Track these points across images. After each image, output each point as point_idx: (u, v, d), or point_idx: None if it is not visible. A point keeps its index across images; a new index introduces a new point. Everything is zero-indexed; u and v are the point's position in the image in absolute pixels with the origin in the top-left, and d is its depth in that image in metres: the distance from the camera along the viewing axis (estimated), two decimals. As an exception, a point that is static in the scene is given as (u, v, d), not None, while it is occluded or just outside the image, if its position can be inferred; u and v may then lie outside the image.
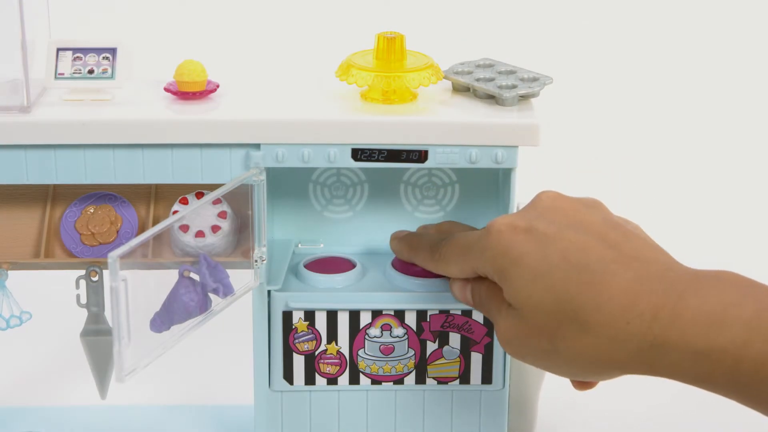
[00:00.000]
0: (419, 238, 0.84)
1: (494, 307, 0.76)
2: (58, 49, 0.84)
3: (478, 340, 0.86)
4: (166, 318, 0.86)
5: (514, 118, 0.83)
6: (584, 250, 0.72)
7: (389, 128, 0.82)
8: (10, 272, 0.87)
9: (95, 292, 0.87)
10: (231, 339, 1.03)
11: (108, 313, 0.88)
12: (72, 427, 0.94)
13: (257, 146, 0.82)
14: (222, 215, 0.86)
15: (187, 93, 0.84)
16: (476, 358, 0.87)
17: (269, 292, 0.86)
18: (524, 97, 0.84)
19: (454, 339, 0.86)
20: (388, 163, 0.83)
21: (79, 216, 0.87)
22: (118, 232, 0.87)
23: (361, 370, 0.87)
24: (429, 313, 0.86)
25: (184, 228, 0.85)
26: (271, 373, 0.87)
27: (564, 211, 0.76)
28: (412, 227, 0.91)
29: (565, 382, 1.03)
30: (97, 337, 0.89)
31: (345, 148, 0.82)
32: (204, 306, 0.86)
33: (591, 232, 0.74)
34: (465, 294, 0.80)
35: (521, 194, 0.85)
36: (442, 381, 0.87)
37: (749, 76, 1.53)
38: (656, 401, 1.01)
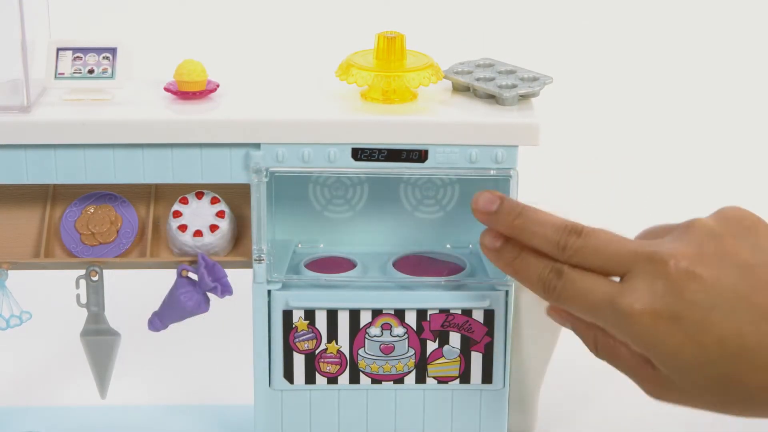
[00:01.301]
0: (527, 264, 0.76)
1: (632, 363, 0.73)
2: (58, 49, 0.84)
3: (479, 340, 0.86)
4: (164, 317, 0.87)
5: (514, 117, 0.83)
6: (740, 335, 0.69)
7: (389, 128, 0.82)
8: (10, 272, 0.87)
9: (95, 291, 0.87)
10: (231, 339, 1.03)
11: (108, 313, 0.89)
12: (72, 427, 0.93)
13: (257, 146, 0.83)
14: (220, 215, 0.86)
15: (187, 93, 0.84)
16: (476, 358, 0.87)
17: (269, 291, 0.86)
18: (524, 97, 0.85)
19: (454, 338, 0.86)
20: (388, 163, 0.83)
21: (79, 216, 0.87)
22: (118, 231, 0.87)
23: (362, 369, 0.87)
24: (429, 313, 0.86)
25: (183, 227, 0.85)
26: (272, 373, 0.87)
27: (703, 279, 0.70)
28: (412, 227, 0.91)
29: (564, 381, 1.03)
30: (97, 337, 0.89)
31: (345, 147, 0.83)
32: (203, 305, 0.86)
33: (741, 303, 0.69)
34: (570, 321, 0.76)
35: (521, 194, 0.85)
36: (442, 380, 0.87)
37: (749, 76, 1.53)
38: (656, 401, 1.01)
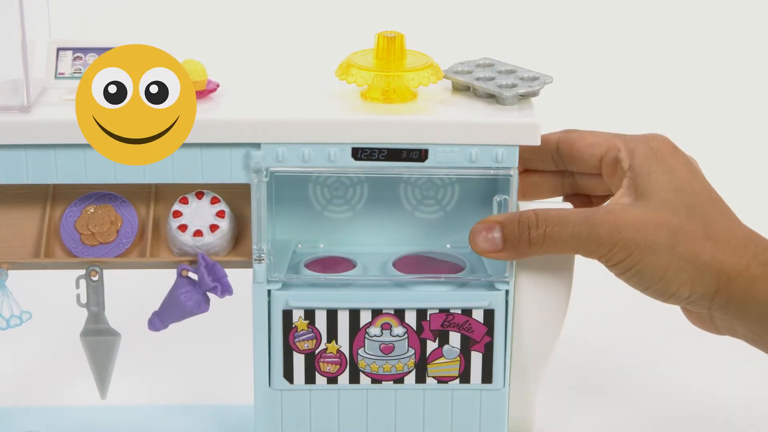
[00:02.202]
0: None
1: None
2: (58, 49, 0.84)
3: (478, 340, 0.86)
4: (164, 317, 0.87)
5: (514, 117, 0.83)
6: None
7: (389, 128, 0.82)
8: (10, 272, 0.87)
9: (95, 291, 0.87)
10: (231, 339, 1.03)
11: (108, 313, 0.89)
12: (72, 427, 0.93)
13: (257, 146, 0.83)
14: (220, 214, 0.86)
15: (187, 93, 0.84)
16: (476, 358, 0.87)
17: (269, 291, 0.86)
18: (524, 97, 0.85)
19: (454, 338, 0.86)
20: (388, 163, 0.83)
21: (79, 216, 0.87)
22: (118, 231, 0.87)
23: (361, 369, 0.87)
24: (429, 312, 0.86)
25: (183, 227, 0.85)
26: (272, 372, 0.87)
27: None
28: (412, 227, 0.91)
29: (564, 381, 1.03)
30: (97, 337, 0.89)
31: (345, 147, 0.83)
32: (203, 305, 0.86)
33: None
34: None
35: (521, 194, 0.85)
36: (442, 380, 0.87)
37: (750, 76, 1.53)
38: (654, 401, 1.01)
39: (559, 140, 0.88)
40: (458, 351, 0.87)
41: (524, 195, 0.91)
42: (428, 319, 0.86)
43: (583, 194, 0.91)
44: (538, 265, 0.85)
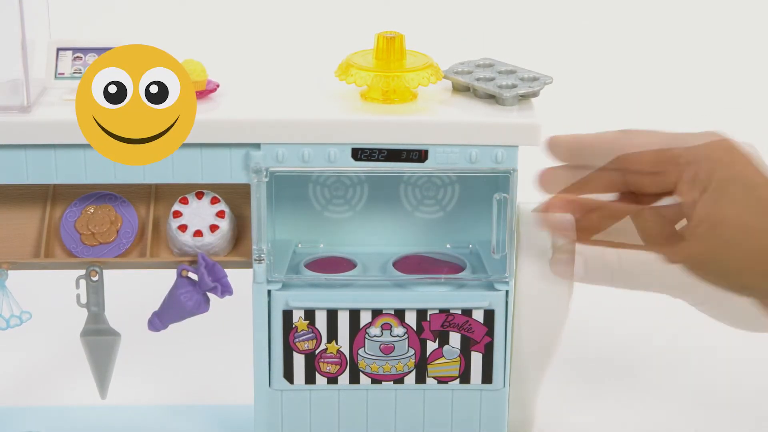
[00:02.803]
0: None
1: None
2: (58, 49, 0.84)
3: (479, 340, 0.86)
4: (164, 317, 0.87)
5: (514, 117, 0.83)
6: None
7: (389, 128, 0.82)
8: (10, 272, 0.87)
9: (95, 291, 0.87)
10: (231, 339, 1.03)
11: (108, 313, 0.89)
12: (72, 427, 0.94)
13: (257, 146, 0.83)
14: (220, 215, 0.86)
15: (187, 93, 0.84)
16: (476, 358, 0.87)
17: (269, 291, 0.86)
18: (524, 97, 0.85)
19: (454, 338, 0.86)
20: (388, 163, 0.83)
21: (79, 216, 0.88)
22: (118, 231, 0.87)
23: (361, 369, 0.87)
24: (429, 313, 0.86)
25: (183, 227, 0.85)
26: (272, 373, 0.87)
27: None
28: (412, 227, 0.91)
29: (564, 381, 1.03)
30: (97, 337, 0.89)
31: (345, 147, 0.83)
32: (203, 305, 0.86)
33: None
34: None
35: (521, 194, 0.85)
36: (442, 380, 0.87)
37: (750, 76, 1.53)
38: (655, 401, 1.01)
39: (613, 144, 0.85)
40: (458, 351, 0.87)
41: (573, 189, 0.87)
42: (428, 319, 0.86)
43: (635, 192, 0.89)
44: (538, 266, 0.85)
